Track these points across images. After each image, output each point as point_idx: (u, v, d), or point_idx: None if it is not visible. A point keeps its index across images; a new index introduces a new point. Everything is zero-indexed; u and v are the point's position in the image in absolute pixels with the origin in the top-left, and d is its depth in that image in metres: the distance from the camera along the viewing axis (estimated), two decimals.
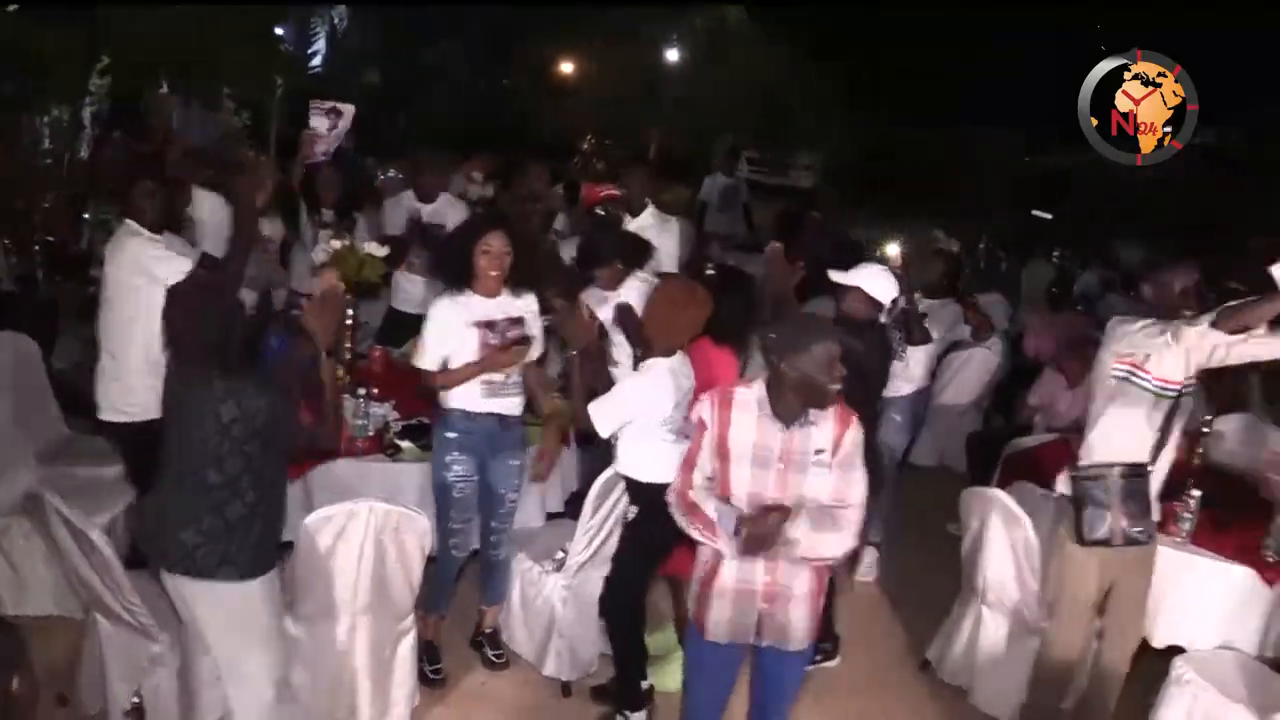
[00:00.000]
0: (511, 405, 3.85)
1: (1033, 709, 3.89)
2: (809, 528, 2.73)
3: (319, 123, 5.14)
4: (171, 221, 4.04)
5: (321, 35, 11.16)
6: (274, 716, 3.01)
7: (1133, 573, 3.62)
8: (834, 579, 4.33)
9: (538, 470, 4.08)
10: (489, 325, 3.73)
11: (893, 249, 4.74)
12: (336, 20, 11.22)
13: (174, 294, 3.20)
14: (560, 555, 3.94)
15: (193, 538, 2.83)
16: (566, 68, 12.97)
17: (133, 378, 3.83)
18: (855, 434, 2.83)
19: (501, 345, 3.72)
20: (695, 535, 2.87)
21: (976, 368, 7.08)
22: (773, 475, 2.80)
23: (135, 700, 2.81)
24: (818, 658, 4.37)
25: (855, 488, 2.82)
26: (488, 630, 4.12)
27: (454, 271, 3.74)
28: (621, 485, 3.76)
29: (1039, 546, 3.89)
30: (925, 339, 5.00)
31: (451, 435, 3.79)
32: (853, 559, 5.19)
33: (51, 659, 3.72)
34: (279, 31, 9.74)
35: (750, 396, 2.84)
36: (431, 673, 3.89)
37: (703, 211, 9.55)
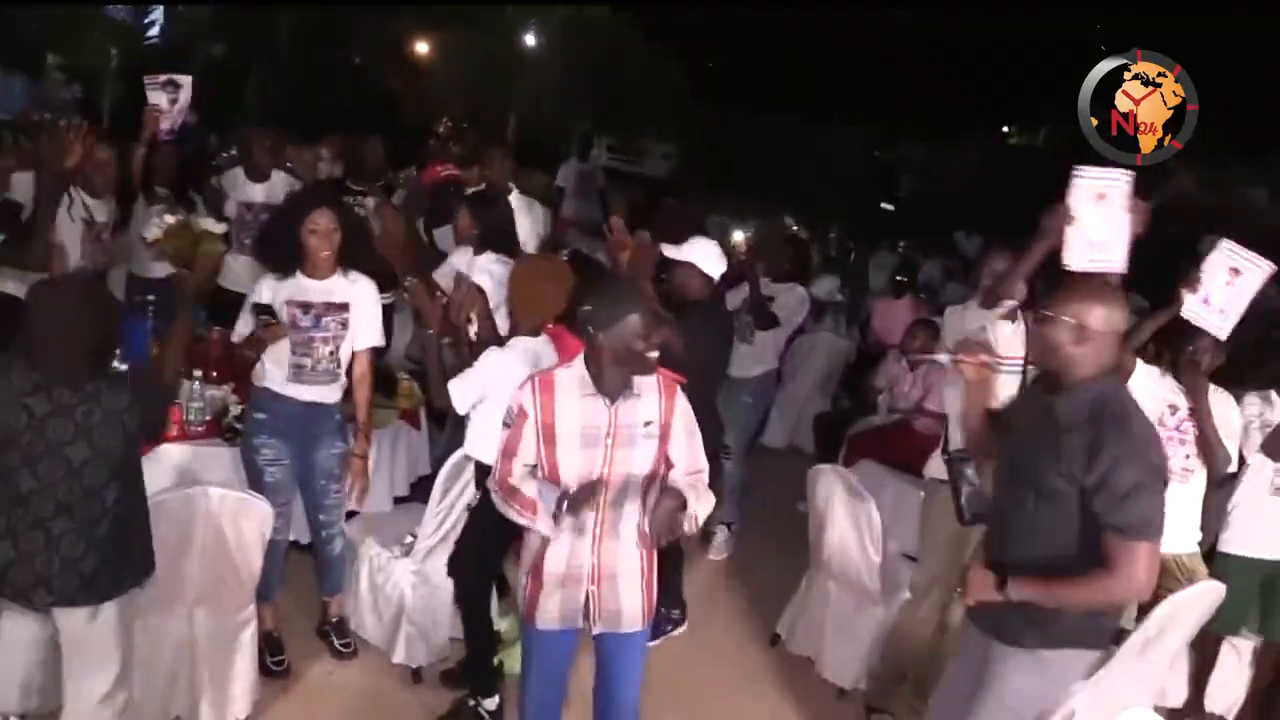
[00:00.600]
0: (323, 393, 3.69)
1: (881, 677, 4.03)
2: (695, 499, 2.73)
3: (158, 98, 4.83)
4: None
5: (159, 5, 10.60)
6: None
7: None
8: (680, 547, 4.43)
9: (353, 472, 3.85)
10: (304, 307, 3.59)
11: (738, 235, 4.82)
12: None
13: (43, 296, 2.87)
14: (409, 540, 3.85)
15: (92, 564, 2.63)
16: (422, 48, 12.71)
17: None
18: (684, 401, 2.86)
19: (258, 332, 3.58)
20: (516, 518, 2.80)
21: (824, 352, 7.31)
22: (601, 452, 2.75)
23: None
24: (668, 627, 4.45)
25: (700, 452, 2.88)
26: (334, 619, 4.00)
27: (282, 254, 3.60)
28: (470, 468, 3.70)
29: (880, 522, 4.03)
30: (773, 323, 5.12)
31: (260, 416, 3.67)
32: (705, 536, 5.34)
33: None
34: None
35: (571, 376, 2.77)
36: (273, 664, 3.74)
37: (559, 197, 9.52)
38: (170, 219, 4.18)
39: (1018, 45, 14.85)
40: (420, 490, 4.33)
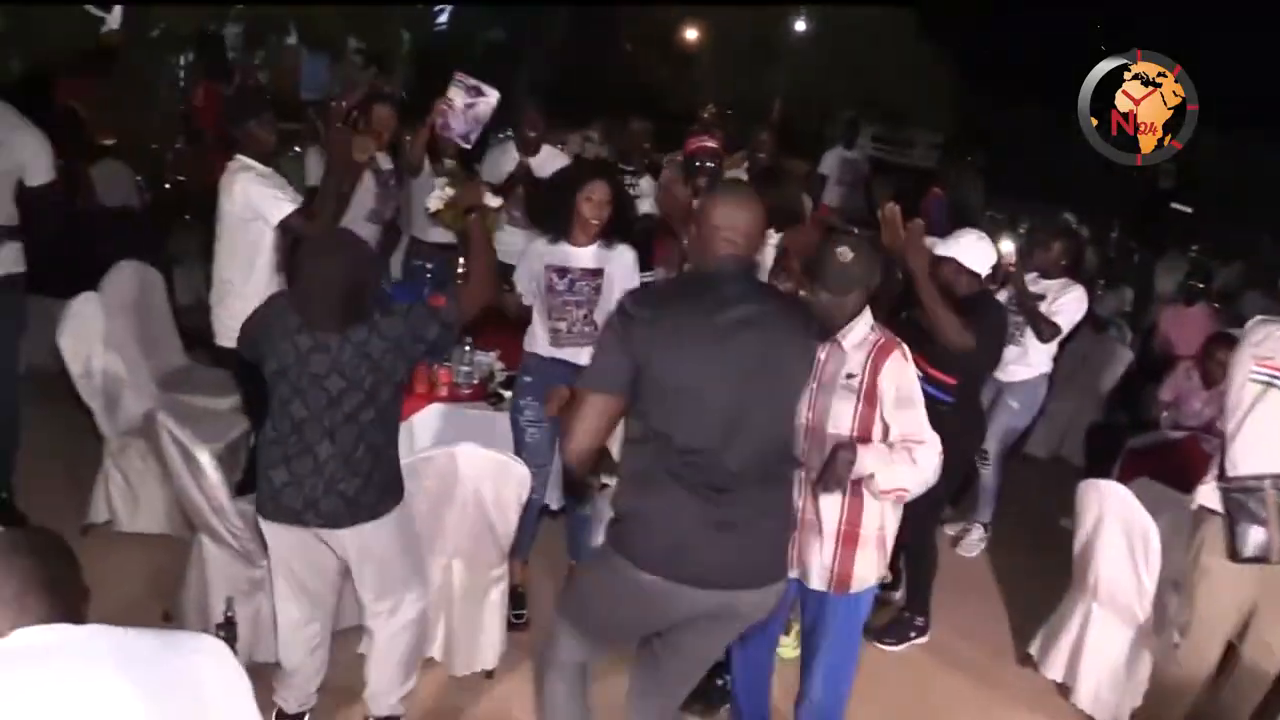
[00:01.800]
0: (583, 355, 3.66)
1: (1147, 717, 3.71)
2: (879, 460, 2.70)
3: (457, 95, 5.08)
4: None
5: None
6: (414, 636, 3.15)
7: None
8: (931, 551, 4.27)
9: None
10: (560, 271, 3.70)
11: (1007, 246, 4.49)
12: None
13: (307, 248, 3.15)
14: None
15: (352, 487, 2.86)
16: (690, 35, 12.85)
17: (249, 304, 3.89)
18: (899, 366, 2.79)
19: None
20: None
21: (1100, 359, 6.79)
22: (807, 395, 2.81)
23: (228, 614, 2.87)
24: (911, 634, 4.29)
25: (922, 425, 2.78)
26: None
27: (554, 218, 3.72)
28: None
29: (1159, 548, 3.69)
30: (1055, 332, 4.76)
31: (526, 379, 3.82)
32: (959, 535, 5.21)
33: (158, 576, 3.86)
34: None
35: None
36: (514, 617, 3.86)
37: (821, 184, 9.35)
38: (451, 191, 4.43)
39: None
40: None
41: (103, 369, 4.07)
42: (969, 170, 8.65)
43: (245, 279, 3.89)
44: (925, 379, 3.82)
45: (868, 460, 2.70)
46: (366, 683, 3.20)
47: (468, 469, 3.26)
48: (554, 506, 4.14)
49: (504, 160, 5.61)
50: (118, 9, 6.10)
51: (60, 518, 4.12)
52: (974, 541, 5.26)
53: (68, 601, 1.70)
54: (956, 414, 3.84)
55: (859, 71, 11.66)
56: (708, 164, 4.96)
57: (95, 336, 4.07)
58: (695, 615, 2.53)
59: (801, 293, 3.44)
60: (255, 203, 3.81)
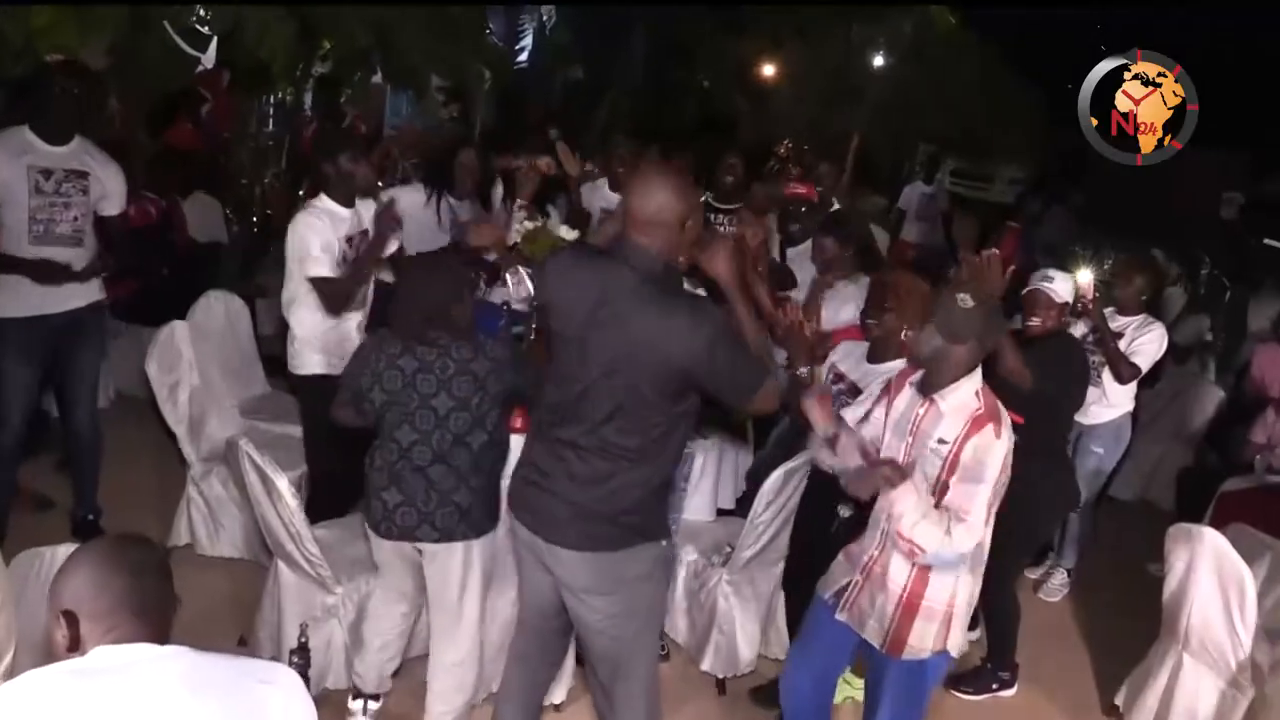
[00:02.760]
0: None
1: None
2: (916, 509, 2.59)
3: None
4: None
5: (529, 30, 11.45)
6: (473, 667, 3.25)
7: None
8: (1015, 604, 4.12)
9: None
10: None
11: (1085, 277, 4.35)
12: (545, 17, 11.49)
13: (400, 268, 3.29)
14: (727, 550, 3.85)
15: (466, 499, 3.02)
16: (768, 70, 12.86)
17: (308, 337, 3.97)
18: (989, 442, 2.62)
19: None
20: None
21: (1188, 399, 6.56)
22: (904, 443, 2.78)
23: (302, 640, 2.91)
24: (994, 686, 4.15)
25: (977, 505, 2.61)
26: None
27: None
28: (794, 482, 3.62)
29: (1255, 596, 3.53)
30: (1134, 374, 4.62)
31: None
32: (1041, 579, 5.04)
33: (236, 600, 3.93)
34: (489, 27, 10.05)
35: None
36: (578, 653, 3.84)
37: (900, 220, 9.25)
38: (530, 224, 4.49)
39: None
40: (743, 505, 4.31)
41: (188, 396, 4.19)
42: (1059, 210, 8.51)
43: (300, 316, 3.95)
44: None
45: (906, 500, 2.58)
46: (428, 710, 3.25)
47: None
48: None
49: (594, 198, 5.68)
50: (212, 48, 6.31)
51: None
52: (1056, 587, 5.09)
53: (156, 620, 1.72)
54: (1051, 476, 3.78)
55: (939, 105, 11.53)
56: (802, 209, 4.96)
57: (182, 364, 4.19)
58: (541, 561, 2.75)
59: (905, 333, 3.39)
60: (298, 249, 3.84)
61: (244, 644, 3.69)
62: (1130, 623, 4.38)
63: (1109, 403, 4.77)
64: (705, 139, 9.85)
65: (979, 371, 2.74)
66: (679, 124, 11.59)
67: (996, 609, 4.12)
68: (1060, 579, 5.10)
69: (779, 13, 12.12)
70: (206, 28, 5.68)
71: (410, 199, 4.58)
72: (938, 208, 9.50)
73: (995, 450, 2.62)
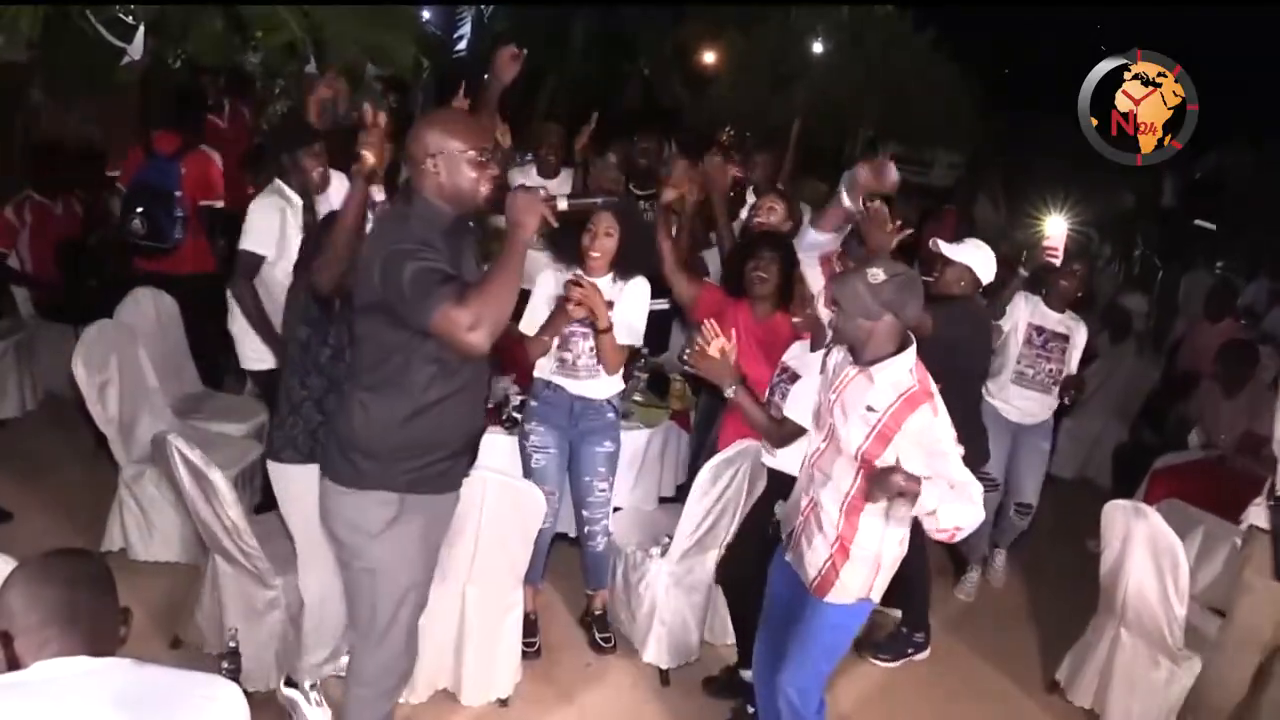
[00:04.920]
0: (590, 387, 3.73)
1: None
2: (943, 496, 2.56)
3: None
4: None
5: (468, 19, 11.35)
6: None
7: None
8: (927, 564, 4.17)
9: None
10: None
11: (1058, 226, 4.33)
12: (483, 5, 11.40)
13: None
14: (666, 540, 3.83)
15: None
16: (708, 58, 12.85)
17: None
18: (925, 421, 2.63)
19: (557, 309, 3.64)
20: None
21: (1123, 377, 6.70)
22: (826, 398, 2.82)
23: (231, 645, 2.85)
24: (909, 650, 4.22)
25: (963, 468, 2.63)
26: (596, 612, 4.06)
27: (567, 247, 3.70)
28: (732, 472, 3.62)
29: (1188, 569, 3.61)
30: (1080, 390, 4.73)
31: (534, 404, 3.80)
32: (984, 561, 5.03)
33: (169, 603, 3.85)
34: (425, 15, 9.93)
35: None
36: (525, 644, 3.76)
37: None
38: None
39: None
40: (684, 492, 4.30)
41: (117, 396, 4.07)
42: (987, 188, 8.61)
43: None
44: None
45: (930, 495, 2.55)
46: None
47: (481, 494, 3.21)
48: (570, 534, 4.10)
49: (523, 182, 5.59)
50: (139, 39, 6.13)
51: (76, 545, 4.12)
52: (1000, 570, 5.10)
53: (92, 632, 1.69)
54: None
55: (879, 90, 11.59)
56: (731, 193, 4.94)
57: (111, 363, 4.07)
58: None
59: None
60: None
61: (178, 645, 3.63)
62: (1070, 599, 4.45)
63: (1050, 401, 4.78)
64: (645, 126, 9.81)
65: (912, 350, 2.72)
66: (619, 111, 11.53)
67: (909, 569, 4.15)
68: (1001, 560, 5.10)
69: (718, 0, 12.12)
70: (131, 17, 5.52)
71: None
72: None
73: (939, 424, 2.65)
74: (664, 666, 3.89)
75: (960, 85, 12.26)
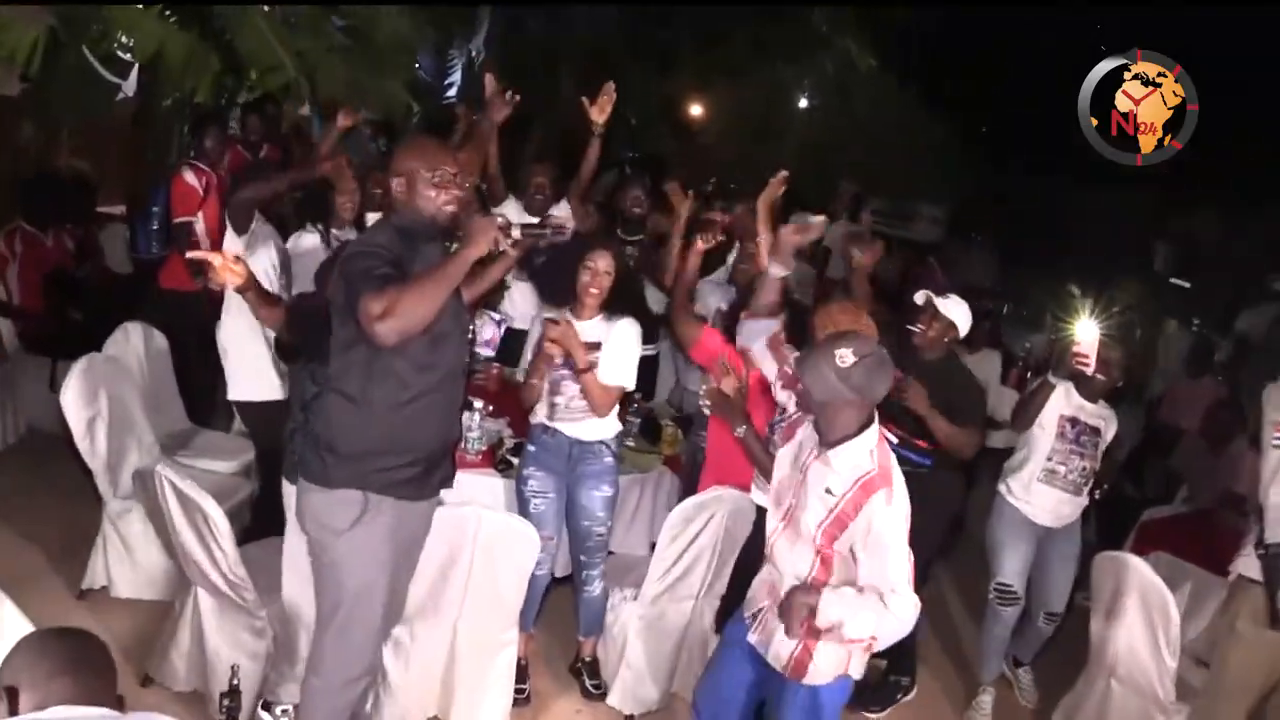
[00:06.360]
0: (584, 429, 3.72)
1: None
2: (845, 607, 2.53)
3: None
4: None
5: (458, 66, 11.41)
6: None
7: None
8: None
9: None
10: None
11: (1089, 332, 3.91)
12: (474, 53, 11.47)
13: None
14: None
15: None
16: (695, 110, 13.01)
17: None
18: (881, 510, 2.54)
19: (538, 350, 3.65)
20: None
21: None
22: (799, 478, 2.74)
23: (234, 683, 2.82)
24: (898, 695, 4.20)
25: (896, 574, 2.53)
26: (586, 659, 4.01)
27: (558, 287, 3.72)
28: (706, 517, 3.60)
29: (1178, 621, 3.62)
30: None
31: (531, 449, 3.79)
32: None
33: (140, 641, 3.77)
34: (416, 62, 9.98)
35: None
36: (515, 691, 3.71)
37: (825, 258, 9.35)
38: None
39: None
40: None
41: (105, 431, 4.01)
42: (976, 248, 8.73)
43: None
44: (901, 444, 3.70)
45: (832, 608, 2.53)
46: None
47: (475, 531, 3.21)
48: (559, 574, 4.05)
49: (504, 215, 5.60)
50: (133, 76, 6.15)
51: (56, 582, 4.05)
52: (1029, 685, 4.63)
53: (100, 691, 1.75)
54: (934, 475, 3.75)
55: (862, 144, 11.77)
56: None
57: (100, 398, 4.01)
58: None
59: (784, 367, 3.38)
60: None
61: (147, 685, 3.56)
62: (1059, 652, 4.45)
63: (1081, 502, 4.34)
64: (633, 177, 9.89)
65: (874, 429, 2.64)
66: (605, 161, 11.60)
67: None
68: (1028, 679, 4.60)
69: (705, 53, 12.29)
70: (129, 55, 5.54)
71: (308, 242, 4.44)
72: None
73: (892, 517, 2.55)
74: (626, 712, 3.83)
75: (943, 139, 12.49)
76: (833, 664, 2.74)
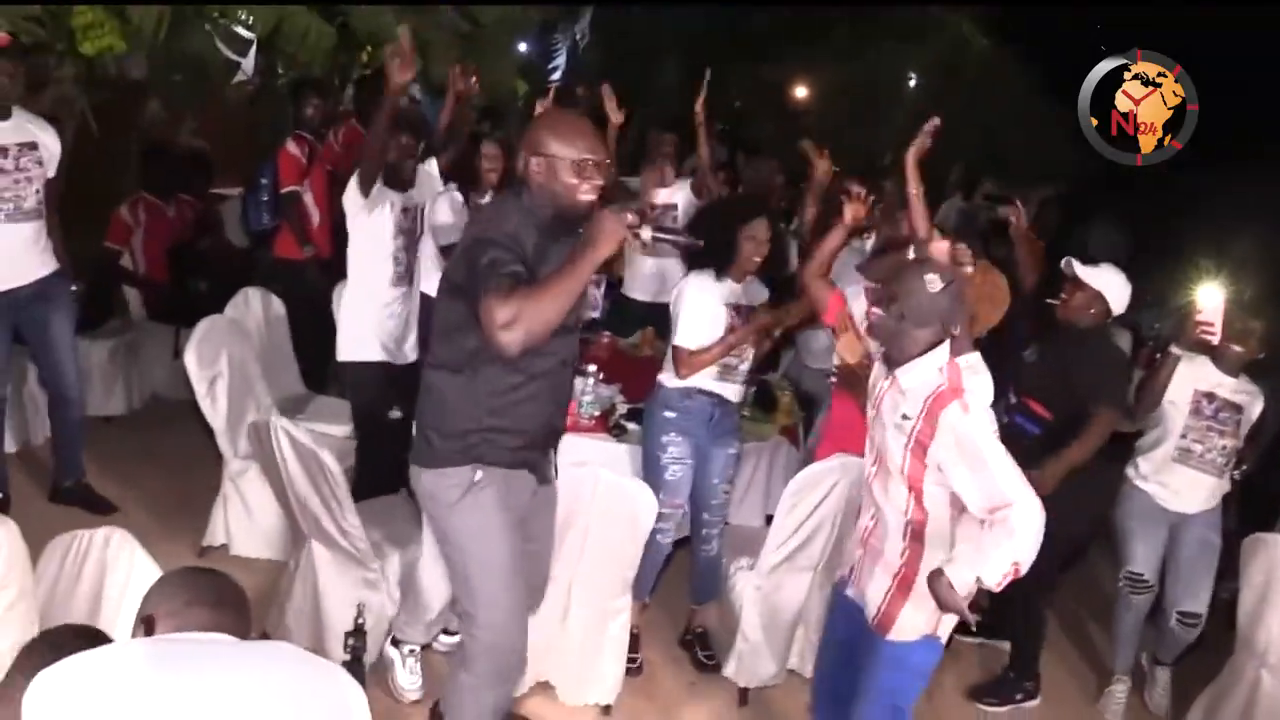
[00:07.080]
0: (735, 391, 3.75)
1: None
2: (972, 560, 2.40)
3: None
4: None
5: (563, 50, 11.46)
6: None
7: None
8: (1040, 615, 3.96)
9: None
10: (736, 309, 3.65)
11: (1213, 298, 3.68)
12: (579, 36, 11.51)
13: None
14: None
15: None
16: (800, 92, 12.81)
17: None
18: (961, 423, 2.45)
19: (747, 326, 3.63)
20: None
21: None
22: (873, 413, 2.71)
23: (359, 621, 2.81)
24: (1018, 696, 3.95)
25: (1005, 484, 2.41)
26: (698, 629, 3.93)
27: (719, 253, 3.63)
28: (828, 485, 3.47)
29: None
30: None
31: (669, 415, 3.68)
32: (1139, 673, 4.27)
33: (256, 598, 3.78)
34: (522, 46, 10.05)
35: None
36: (628, 660, 3.64)
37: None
38: None
39: None
40: None
41: (226, 390, 4.08)
42: (1102, 224, 8.38)
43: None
44: (1018, 407, 3.67)
45: (960, 570, 2.40)
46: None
47: (592, 490, 3.16)
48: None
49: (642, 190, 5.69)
50: (251, 55, 6.26)
51: (179, 538, 4.14)
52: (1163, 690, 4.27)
53: (233, 617, 1.73)
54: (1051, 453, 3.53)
55: (975, 125, 11.44)
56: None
57: (221, 359, 4.08)
58: None
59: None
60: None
61: (265, 639, 3.57)
62: (1203, 637, 4.15)
63: (1222, 485, 4.10)
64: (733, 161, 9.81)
65: (944, 348, 2.59)
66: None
67: (1024, 619, 3.95)
68: (1164, 679, 4.24)
69: (811, 33, 12.11)
70: (249, 31, 5.64)
71: (448, 202, 4.50)
72: (976, 225, 9.38)
73: (975, 424, 2.49)
74: (741, 684, 3.72)
75: (1056, 120, 12.04)
76: (920, 620, 2.63)
